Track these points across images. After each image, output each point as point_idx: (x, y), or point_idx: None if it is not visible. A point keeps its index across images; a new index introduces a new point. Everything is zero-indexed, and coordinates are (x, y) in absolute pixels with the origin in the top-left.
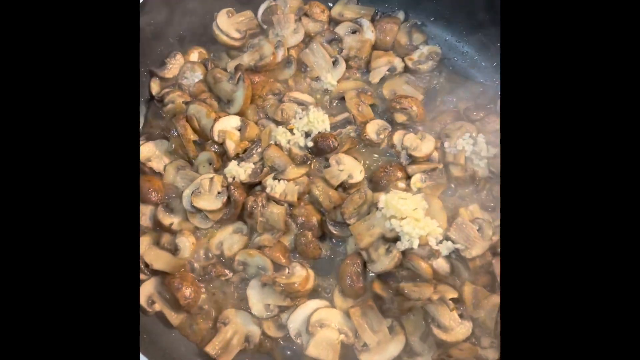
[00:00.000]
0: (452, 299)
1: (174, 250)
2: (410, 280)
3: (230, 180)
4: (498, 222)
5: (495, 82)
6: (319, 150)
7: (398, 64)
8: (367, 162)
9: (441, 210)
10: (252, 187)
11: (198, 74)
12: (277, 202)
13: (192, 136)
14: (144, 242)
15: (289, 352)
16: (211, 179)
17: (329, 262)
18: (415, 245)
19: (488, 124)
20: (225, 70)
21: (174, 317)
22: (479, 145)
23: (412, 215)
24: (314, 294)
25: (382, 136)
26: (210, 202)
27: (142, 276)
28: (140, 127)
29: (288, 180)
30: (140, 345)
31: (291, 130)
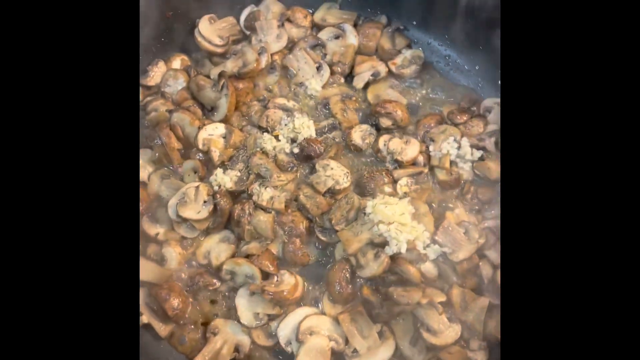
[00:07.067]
0: (441, 302)
1: (161, 260)
2: (399, 284)
3: (216, 188)
4: (484, 225)
5: (478, 86)
6: (305, 156)
7: (382, 68)
8: (353, 167)
9: (428, 214)
10: (238, 195)
11: (181, 81)
12: (264, 209)
13: (176, 145)
14: None
15: None
16: (197, 187)
17: (318, 269)
18: (404, 250)
19: (472, 128)
20: (209, 77)
21: (162, 329)
22: (463, 148)
23: (399, 220)
24: (303, 301)
25: (367, 141)
26: (197, 211)
27: None
28: None
29: (275, 187)
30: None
31: (277, 137)
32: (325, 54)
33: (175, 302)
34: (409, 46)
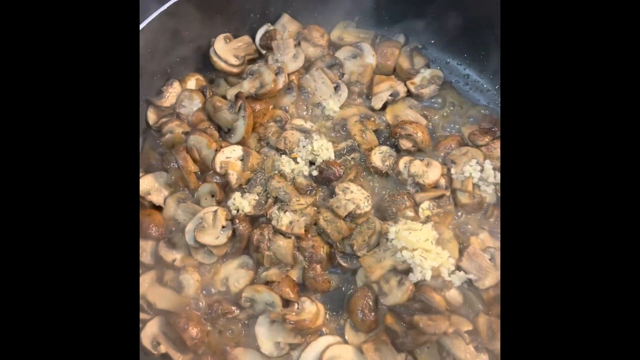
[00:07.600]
0: (467, 331)
1: (178, 287)
2: (423, 312)
3: (234, 212)
4: None
5: (498, 105)
6: (324, 179)
7: (400, 88)
8: (373, 190)
9: (452, 240)
10: (256, 219)
11: (196, 102)
12: (284, 234)
13: (193, 168)
14: (146, 280)
15: None
16: (215, 212)
17: (339, 295)
18: (428, 277)
19: (494, 149)
20: (225, 97)
21: (180, 359)
22: (486, 171)
23: (423, 246)
24: (324, 329)
25: (387, 163)
26: (215, 236)
27: (145, 316)
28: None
29: (294, 212)
30: None
31: (295, 159)
32: (342, 74)
33: (194, 331)
34: (427, 65)
